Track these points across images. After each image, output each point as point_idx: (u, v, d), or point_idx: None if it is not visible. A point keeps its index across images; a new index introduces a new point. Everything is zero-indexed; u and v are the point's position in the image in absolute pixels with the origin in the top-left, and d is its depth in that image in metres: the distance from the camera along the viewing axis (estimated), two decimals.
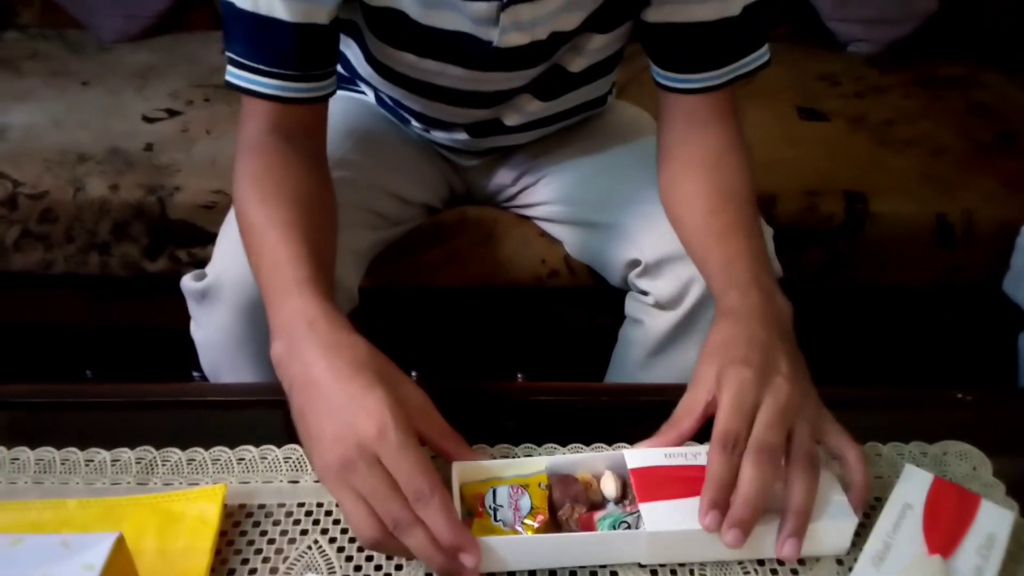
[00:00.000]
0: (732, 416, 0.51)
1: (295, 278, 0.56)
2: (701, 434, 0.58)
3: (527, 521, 0.51)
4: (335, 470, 0.49)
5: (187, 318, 0.76)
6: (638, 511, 0.51)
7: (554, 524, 0.52)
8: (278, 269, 0.58)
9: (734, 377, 0.53)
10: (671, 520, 0.50)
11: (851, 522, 0.51)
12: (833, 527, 0.51)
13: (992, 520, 0.52)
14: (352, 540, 0.52)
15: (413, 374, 1.21)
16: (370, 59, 0.79)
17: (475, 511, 0.51)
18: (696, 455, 0.54)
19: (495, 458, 0.56)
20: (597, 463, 0.56)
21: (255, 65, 0.65)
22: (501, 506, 0.51)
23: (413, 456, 0.48)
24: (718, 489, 0.49)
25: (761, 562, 0.52)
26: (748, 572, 0.51)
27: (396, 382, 0.53)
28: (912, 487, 0.54)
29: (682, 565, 0.51)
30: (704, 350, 0.57)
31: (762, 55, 0.72)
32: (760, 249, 0.65)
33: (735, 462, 0.50)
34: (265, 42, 0.64)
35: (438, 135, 0.88)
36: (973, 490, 0.55)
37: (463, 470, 0.54)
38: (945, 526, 0.51)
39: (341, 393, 0.50)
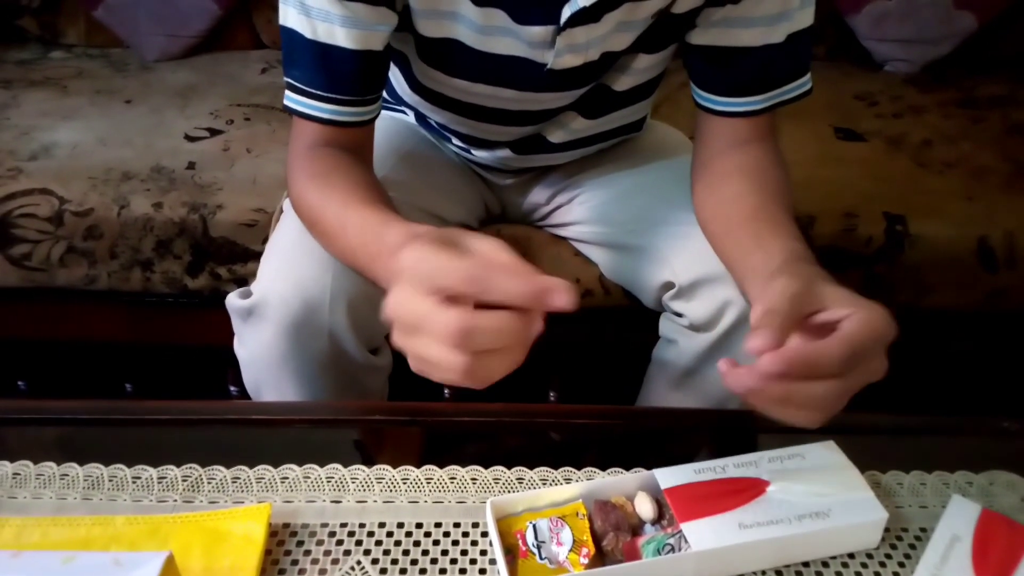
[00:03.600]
0: (869, 342, 0.48)
1: (387, 219, 0.58)
2: (725, 445, 0.59)
3: (573, 556, 0.50)
4: (396, 335, 0.47)
5: (226, 335, 0.77)
6: (679, 531, 0.51)
7: (598, 554, 0.52)
8: (367, 224, 0.59)
9: (891, 323, 0.49)
10: (714, 537, 0.51)
11: (880, 516, 0.53)
12: (863, 523, 0.53)
13: None
14: (395, 562, 0.53)
15: (446, 393, 1.22)
16: (415, 86, 0.81)
17: (516, 550, 0.51)
18: (723, 468, 0.56)
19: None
20: (628, 485, 0.56)
21: (312, 91, 0.67)
22: (543, 542, 0.51)
23: (441, 258, 0.45)
24: (802, 363, 0.46)
25: (798, 573, 0.52)
26: None
27: (460, 235, 0.49)
28: (960, 518, 0.53)
29: None
30: (799, 271, 0.54)
31: (804, 83, 0.73)
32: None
33: (834, 370, 0.47)
34: (324, 68, 0.66)
35: (480, 154, 0.89)
36: (1021, 522, 0.54)
37: (497, 505, 0.54)
38: (995, 559, 0.50)
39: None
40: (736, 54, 0.70)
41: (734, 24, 0.69)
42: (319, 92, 0.67)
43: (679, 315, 0.80)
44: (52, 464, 0.59)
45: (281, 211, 0.83)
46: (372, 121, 0.71)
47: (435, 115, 0.84)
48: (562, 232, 0.98)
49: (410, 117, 0.93)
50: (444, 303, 0.44)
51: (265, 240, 0.79)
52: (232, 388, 1.22)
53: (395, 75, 0.85)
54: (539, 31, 0.67)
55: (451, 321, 0.44)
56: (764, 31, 0.68)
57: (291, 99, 0.69)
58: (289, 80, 0.68)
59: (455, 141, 0.89)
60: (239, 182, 1.16)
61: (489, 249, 0.47)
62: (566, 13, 0.65)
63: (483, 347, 0.44)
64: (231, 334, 0.77)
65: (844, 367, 0.47)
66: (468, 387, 0.46)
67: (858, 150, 1.30)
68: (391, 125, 0.92)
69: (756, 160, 0.71)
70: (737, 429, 0.69)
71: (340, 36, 0.65)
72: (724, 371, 0.48)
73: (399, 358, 0.82)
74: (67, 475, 0.59)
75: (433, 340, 0.45)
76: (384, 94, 0.91)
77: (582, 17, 0.66)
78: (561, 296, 0.44)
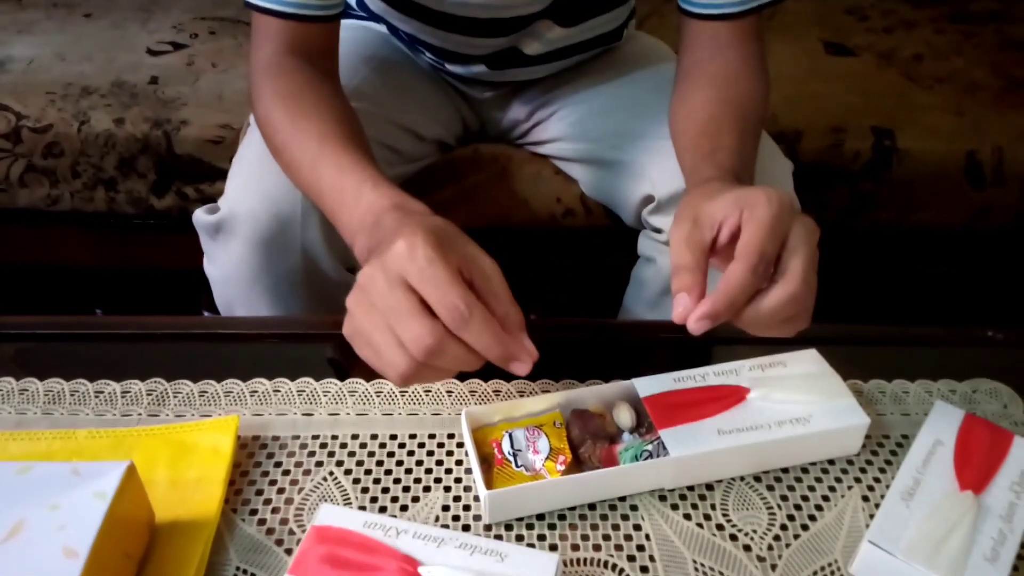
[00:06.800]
0: (769, 237, 0.47)
1: (370, 176, 0.54)
2: (705, 357, 0.58)
3: (550, 463, 0.49)
4: (356, 298, 0.45)
5: (196, 256, 0.74)
6: (657, 438, 0.50)
7: (576, 462, 0.51)
8: (344, 174, 0.55)
9: (774, 197, 0.48)
10: (693, 443, 0.50)
11: (862, 422, 0.52)
12: (843, 428, 0.52)
13: None
14: (368, 472, 0.52)
15: None
16: None
17: (492, 459, 0.50)
18: (703, 376, 0.55)
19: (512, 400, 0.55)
20: (607, 394, 0.55)
21: None
22: (520, 450, 0.50)
23: (443, 273, 0.44)
24: (728, 307, 0.46)
25: (777, 479, 0.51)
26: (771, 507, 0.50)
27: (462, 243, 0.47)
28: (943, 423, 0.53)
29: (702, 498, 0.50)
30: (688, 201, 0.53)
31: None
32: (750, 156, 0.63)
33: (755, 286, 0.47)
34: None
35: (454, 68, 0.85)
36: (1004, 428, 0.53)
37: (472, 415, 0.52)
38: (977, 463, 0.50)
39: (393, 234, 0.47)
40: None
41: None
42: None
43: (658, 231, 0.78)
44: (11, 379, 0.57)
45: (248, 125, 0.79)
46: (337, 18, 0.67)
47: (404, 25, 0.80)
48: (543, 150, 0.95)
49: (382, 27, 0.89)
50: (425, 310, 0.44)
51: (233, 158, 0.76)
52: (206, 313, 1.20)
53: None
54: None
55: (425, 334, 0.43)
56: None
57: None
58: None
59: (428, 55, 0.85)
60: (204, 97, 1.11)
61: (487, 268, 0.47)
62: None
63: (434, 365, 0.45)
64: (202, 256, 0.74)
65: (764, 271, 0.47)
66: (399, 385, 0.46)
67: (847, 65, 1.26)
68: (362, 34, 0.87)
69: (729, 67, 0.69)
70: (718, 341, 0.68)
71: None
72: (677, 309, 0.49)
73: None
74: (27, 390, 0.57)
75: (393, 337, 0.44)
76: (353, 4, 0.87)
77: None
78: (519, 367, 0.46)
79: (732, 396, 0.53)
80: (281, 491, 0.50)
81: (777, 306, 0.47)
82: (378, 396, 0.57)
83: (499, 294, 0.46)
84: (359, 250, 0.52)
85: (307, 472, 0.52)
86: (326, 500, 0.50)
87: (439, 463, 0.52)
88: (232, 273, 0.71)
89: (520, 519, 0.49)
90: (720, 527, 0.49)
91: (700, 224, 0.50)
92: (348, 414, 0.56)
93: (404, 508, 0.50)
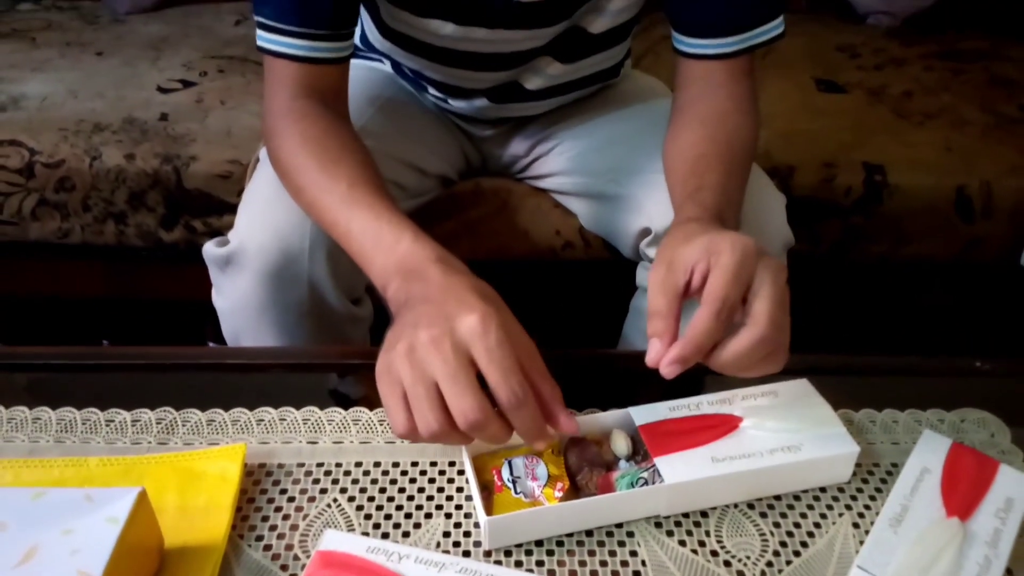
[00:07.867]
0: (732, 283, 0.49)
1: (409, 226, 0.57)
2: (699, 386, 0.59)
3: (548, 490, 0.51)
4: (411, 347, 0.47)
5: (203, 288, 0.76)
6: (653, 466, 0.52)
7: (573, 489, 0.52)
8: (380, 218, 0.58)
9: (737, 244, 0.50)
10: (687, 470, 0.51)
11: (852, 450, 0.53)
12: (834, 456, 0.54)
13: (1010, 484, 0.52)
14: (371, 499, 0.53)
15: None
16: (386, 31, 0.80)
17: (491, 486, 0.52)
18: (698, 405, 0.56)
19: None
20: (604, 423, 0.56)
21: (285, 27, 0.66)
22: (519, 477, 0.52)
23: (510, 359, 0.46)
24: (696, 351, 0.49)
25: (770, 506, 0.52)
26: (764, 534, 0.51)
27: (508, 315, 0.50)
28: (930, 452, 0.54)
29: (697, 525, 0.52)
30: (667, 242, 0.55)
31: (776, 26, 0.72)
32: (736, 193, 0.65)
33: (721, 330, 0.49)
34: (296, 2, 0.65)
35: (457, 104, 0.88)
36: (991, 456, 0.55)
37: (473, 443, 0.54)
38: (963, 490, 0.51)
39: (448, 291, 0.50)
40: None
41: None
42: (292, 28, 0.65)
43: None
44: (24, 408, 0.59)
45: (257, 160, 0.81)
46: (347, 59, 0.70)
47: (408, 62, 0.83)
48: (542, 184, 0.97)
49: (386, 66, 0.91)
50: (479, 386, 0.46)
51: (241, 192, 0.78)
52: (211, 344, 1.21)
53: (366, 21, 0.84)
54: None
55: (477, 409, 0.46)
56: None
57: (264, 39, 0.67)
58: (260, 19, 0.67)
59: (432, 91, 0.88)
60: (213, 134, 1.14)
61: (530, 346, 0.49)
62: None
63: (469, 434, 0.47)
64: (209, 288, 0.76)
65: (728, 315, 0.49)
66: (399, 435, 0.49)
67: (839, 101, 1.29)
68: (367, 74, 0.90)
69: (719, 106, 0.71)
70: (712, 371, 0.69)
71: None
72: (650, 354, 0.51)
73: (379, 309, 0.82)
74: (40, 419, 0.58)
75: (437, 396, 0.46)
76: (358, 42, 0.90)
77: None
78: (540, 445, 0.50)
79: (725, 425, 0.55)
80: (286, 517, 0.52)
81: (746, 349, 0.49)
82: (381, 424, 0.59)
83: (542, 373, 0.49)
84: (393, 291, 0.54)
85: (312, 499, 0.53)
86: (330, 526, 0.51)
87: (440, 490, 0.54)
88: (240, 305, 0.73)
89: (519, 545, 0.50)
90: (714, 553, 0.50)
91: (674, 269, 0.52)
92: (352, 442, 0.57)
93: (406, 534, 0.51)
